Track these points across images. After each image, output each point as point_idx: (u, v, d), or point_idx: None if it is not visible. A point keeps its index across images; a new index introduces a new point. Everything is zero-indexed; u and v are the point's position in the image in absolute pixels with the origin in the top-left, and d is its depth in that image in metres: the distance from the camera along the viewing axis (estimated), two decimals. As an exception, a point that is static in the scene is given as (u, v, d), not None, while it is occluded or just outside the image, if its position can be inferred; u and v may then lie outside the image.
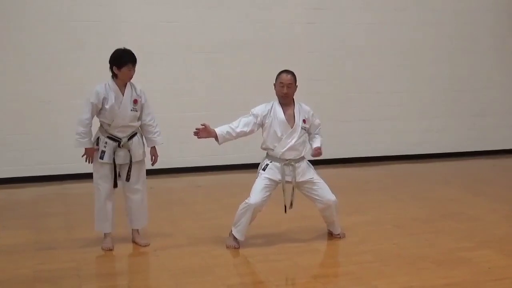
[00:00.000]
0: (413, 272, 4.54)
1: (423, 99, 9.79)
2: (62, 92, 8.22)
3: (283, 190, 5.23)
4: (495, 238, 5.34)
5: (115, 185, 5.12)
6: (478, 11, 10.11)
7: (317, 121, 5.44)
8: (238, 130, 5.26)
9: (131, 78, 5.05)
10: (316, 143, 5.31)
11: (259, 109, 5.31)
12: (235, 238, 5.20)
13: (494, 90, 10.39)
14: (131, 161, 5.08)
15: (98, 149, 5.03)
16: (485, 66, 10.31)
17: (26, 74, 8.10)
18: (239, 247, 5.17)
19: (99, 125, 5.11)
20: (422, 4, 9.75)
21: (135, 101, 5.05)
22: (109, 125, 5.00)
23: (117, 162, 5.04)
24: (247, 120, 5.29)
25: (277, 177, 5.18)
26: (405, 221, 5.85)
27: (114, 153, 5.02)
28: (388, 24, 9.57)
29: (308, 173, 5.25)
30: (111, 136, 5.01)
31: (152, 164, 5.28)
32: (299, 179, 5.20)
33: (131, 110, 5.02)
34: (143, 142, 5.23)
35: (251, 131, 5.28)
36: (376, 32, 9.50)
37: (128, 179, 5.12)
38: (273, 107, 5.28)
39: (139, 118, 5.14)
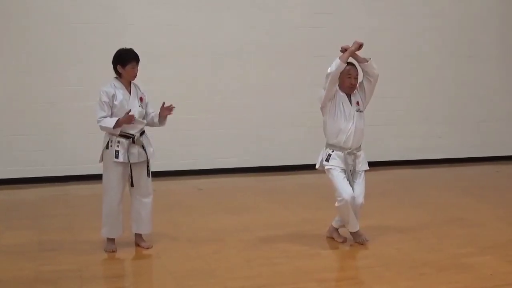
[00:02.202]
0: (415, 278, 4.53)
1: (428, 105, 9.79)
2: (66, 93, 8.26)
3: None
4: (498, 245, 5.32)
5: (132, 184, 5.10)
6: (482, 17, 10.12)
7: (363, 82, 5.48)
8: None
9: (135, 77, 5.09)
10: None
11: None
12: (338, 231, 5.38)
13: (499, 96, 10.38)
14: (147, 158, 5.10)
15: (110, 150, 5.00)
16: (489, 71, 10.30)
17: (30, 75, 8.14)
18: (346, 240, 5.32)
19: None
20: (426, 9, 9.76)
21: (141, 99, 5.13)
22: None
23: (131, 160, 5.04)
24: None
25: (342, 165, 5.23)
26: (408, 226, 5.84)
27: (127, 151, 5.02)
28: (392, 29, 9.58)
29: (364, 165, 5.35)
30: (123, 133, 5.02)
31: (170, 111, 5.24)
32: (358, 168, 5.28)
33: (139, 106, 5.08)
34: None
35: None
36: (380, 37, 9.49)
37: (148, 174, 5.13)
38: (337, 94, 5.31)
39: (145, 118, 5.19)
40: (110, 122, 4.91)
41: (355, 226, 5.30)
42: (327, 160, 5.29)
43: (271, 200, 7.28)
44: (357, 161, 5.29)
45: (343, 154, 5.23)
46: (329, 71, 5.33)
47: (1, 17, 8.03)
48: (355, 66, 5.38)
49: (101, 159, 5.10)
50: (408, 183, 8.26)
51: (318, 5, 9.26)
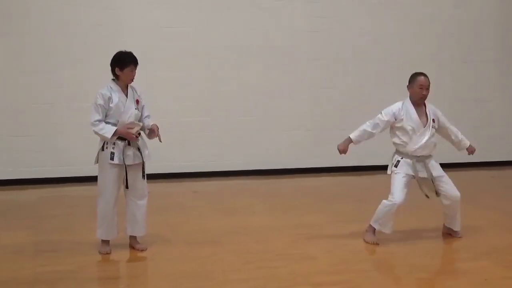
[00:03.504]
0: (411, 282, 4.54)
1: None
2: (64, 95, 8.28)
3: (420, 185, 5.47)
4: (494, 250, 5.33)
5: (127, 186, 5.10)
6: (479, 22, 10.16)
7: (444, 118, 5.68)
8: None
9: (132, 80, 5.10)
10: (465, 142, 5.76)
11: (391, 110, 5.47)
12: (374, 234, 5.47)
13: (497, 101, 10.42)
14: (143, 160, 5.11)
15: (105, 152, 5.01)
16: (487, 76, 10.34)
17: (28, 76, 8.16)
18: (378, 243, 5.39)
19: None
20: (425, 14, 9.80)
21: (137, 102, 5.13)
22: (115, 124, 5.01)
23: (126, 163, 5.04)
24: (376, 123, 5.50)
25: (410, 172, 5.41)
26: (404, 231, 5.84)
27: (123, 153, 5.02)
28: (391, 33, 9.63)
29: (437, 170, 5.51)
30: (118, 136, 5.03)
31: (158, 136, 5.16)
32: (429, 175, 5.43)
33: (135, 109, 5.08)
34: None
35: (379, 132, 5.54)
36: (379, 41, 9.55)
37: (143, 176, 5.13)
38: (404, 106, 5.45)
39: (141, 120, 5.19)
40: (108, 132, 4.90)
41: (390, 228, 5.46)
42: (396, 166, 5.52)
43: (268, 203, 7.29)
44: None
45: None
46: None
47: (1, 17, 8.04)
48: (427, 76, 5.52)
49: (97, 161, 5.10)
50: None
51: (318, 8, 9.29)
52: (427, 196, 5.52)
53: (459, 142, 5.75)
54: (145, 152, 5.17)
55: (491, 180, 9.29)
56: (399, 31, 9.67)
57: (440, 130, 5.62)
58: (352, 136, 5.51)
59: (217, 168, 9.01)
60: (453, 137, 5.71)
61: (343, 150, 5.48)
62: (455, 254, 5.32)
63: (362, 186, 8.58)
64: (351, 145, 5.51)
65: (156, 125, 5.17)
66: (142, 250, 5.22)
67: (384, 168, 5.60)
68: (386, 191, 5.44)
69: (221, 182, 8.73)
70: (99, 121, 4.95)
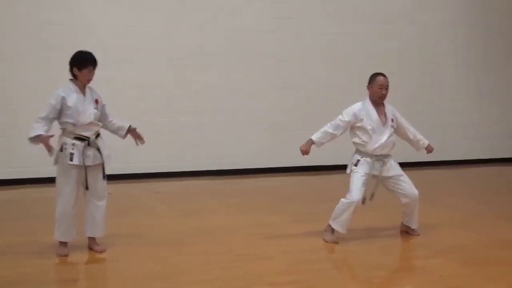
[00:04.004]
0: (367, 280, 4.60)
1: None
2: (28, 95, 8.13)
3: (381, 183, 5.59)
4: (449, 247, 5.44)
5: (87, 187, 5.05)
6: (441, 25, 10.36)
7: (403, 118, 5.78)
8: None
9: (90, 80, 5.05)
10: (424, 141, 5.86)
11: (351, 111, 5.54)
12: (333, 233, 5.50)
13: (456, 101, 10.63)
14: (103, 160, 5.06)
15: (64, 152, 4.95)
16: (447, 78, 10.55)
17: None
18: (338, 242, 5.43)
19: (60, 132, 5.05)
20: (387, 16, 9.94)
21: (96, 101, 5.09)
22: (74, 125, 4.94)
23: (86, 163, 4.98)
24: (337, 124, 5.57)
25: (370, 171, 5.49)
26: (361, 229, 5.92)
27: (82, 154, 4.97)
28: (354, 34, 9.73)
29: (395, 169, 5.61)
30: (78, 136, 4.97)
31: (142, 141, 5.35)
32: (387, 174, 5.54)
33: (94, 108, 5.03)
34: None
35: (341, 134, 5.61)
36: (342, 42, 9.65)
37: (103, 177, 5.09)
38: (364, 107, 5.54)
39: (101, 120, 5.15)
40: (33, 133, 4.85)
41: (344, 227, 5.49)
42: (355, 165, 5.57)
43: (229, 204, 7.30)
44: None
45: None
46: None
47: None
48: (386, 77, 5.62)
49: (55, 162, 5.03)
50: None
51: (281, 9, 9.35)
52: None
53: (418, 142, 5.84)
54: (105, 153, 5.13)
55: (448, 179, 9.50)
56: (363, 32, 9.78)
57: (399, 130, 5.71)
58: (314, 137, 5.56)
59: (179, 168, 8.98)
60: (411, 137, 5.80)
61: (305, 152, 5.52)
62: (412, 252, 5.42)
63: (322, 186, 8.66)
64: (313, 146, 5.55)
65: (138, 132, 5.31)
66: (101, 252, 5.17)
67: (344, 167, 5.67)
68: (345, 191, 5.50)
69: (183, 183, 8.71)
70: (42, 119, 4.90)
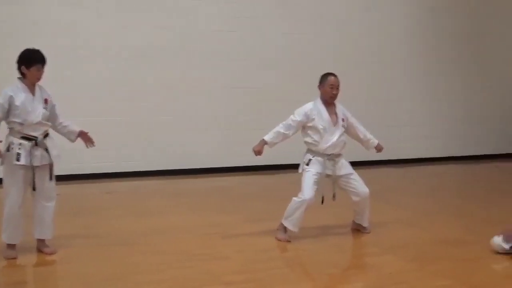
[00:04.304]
0: (319, 278, 4.67)
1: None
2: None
3: (332, 183, 5.67)
4: (398, 244, 5.56)
5: (34, 188, 4.95)
6: (390, 24, 10.56)
7: (353, 118, 5.85)
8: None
9: (39, 79, 4.96)
10: (374, 141, 5.93)
11: (303, 111, 5.60)
12: (285, 232, 5.53)
13: (408, 102, 10.86)
14: (51, 161, 4.97)
15: (11, 152, 4.84)
16: (400, 78, 10.76)
17: None
18: (290, 241, 5.45)
19: (7, 132, 4.94)
20: (339, 17, 10.07)
21: (46, 101, 5.00)
22: (22, 124, 4.84)
23: (34, 163, 4.88)
24: (289, 124, 5.61)
25: (321, 170, 5.55)
26: (314, 228, 5.99)
27: (30, 154, 4.87)
28: (306, 34, 9.81)
29: (346, 168, 5.69)
30: (25, 136, 4.87)
31: (92, 144, 5.37)
32: (339, 173, 5.61)
33: (43, 108, 4.95)
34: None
35: (293, 134, 5.65)
36: (295, 41, 9.72)
37: (51, 178, 5.00)
38: (315, 106, 5.61)
39: (50, 120, 5.05)
40: None
41: (297, 226, 5.54)
42: (307, 164, 5.59)
43: (182, 204, 7.28)
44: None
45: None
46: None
47: None
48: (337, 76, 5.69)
49: (2, 162, 4.92)
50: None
51: (234, 9, 9.36)
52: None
53: (368, 141, 5.94)
54: (54, 153, 5.04)
55: (398, 177, 9.71)
56: (314, 31, 9.89)
57: (349, 129, 5.80)
58: (266, 138, 5.59)
59: (131, 168, 8.90)
60: (361, 136, 5.89)
61: (258, 152, 5.55)
62: (362, 250, 5.52)
63: (275, 185, 8.71)
64: (266, 146, 5.59)
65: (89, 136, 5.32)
66: (51, 254, 5.08)
67: (297, 167, 5.72)
68: (299, 190, 5.55)
69: (135, 183, 8.63)
70: None
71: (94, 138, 8.34)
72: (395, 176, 9.86)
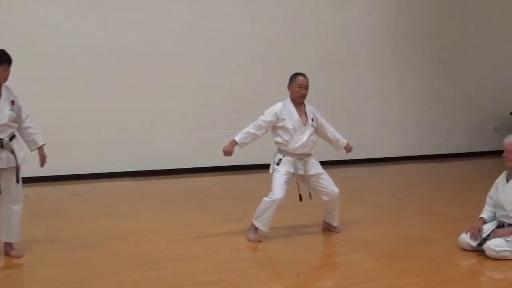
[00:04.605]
0: (289, 277, 4.69)
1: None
2: None
3: (298, 185, 5.64)
4: (368, 243, 5.61)
5: (0, 191, 4.85)
6: (354, 26, 10.63)
7: (323, 118, 5.87)
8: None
9: (6, 79, 4.88)
10: (343, 141, 5.96)
11: (272, 111, 5.59)
12: (256, 232, 5.54)
13: (375, 102, 10.96)
14: (17, 163, 4.88)
15: None
16: (367, 78, 10.84)
17: None
18: (261, 241, 5.47)
19: None
20: (303, 16, 10.11)
21: (13, 102, 4.89)
22: None
23: (0, 166, 4.80)
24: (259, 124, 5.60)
25: (291, 170, 5.57)
26: (284, 228, 6.00)
27: None
28: (272, 34, 9.82)
29: (316, 167, 5.71)
30: None
31: (42, 166, 5.18)
32: (309, 172, 5.63)
33: (10, 110, 4.84)
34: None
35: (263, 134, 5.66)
36: (261, 41, 9.73)
37: (18, 181, 4.90)
38: (285, 106, 5.62)
39: (16, 122, 4.96)
40: None
41: (268, 226, 5.55)
42: (277, 164, 5.61)
43: (152, 205, 7.22)
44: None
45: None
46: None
47: None
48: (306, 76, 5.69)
49: (-32, 165, 4.83)
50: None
51: (200, 9, 9.32)
52: (300, 198, 5.68)
53: (337, 141, 5.97)
54: (21, 155, 4.96)
55: (366, 176, 9.80)
56: (283, 32, 9.90)
57: (319, 129, 5.82)
58: (237, 138, 5.57)
59: (101, 170, 8.80)
60: (330, 137, 5.92)
61: (228, 152, 5.53)
62: (332, 249, 5.55)
63: (247, 185, 8.71)
64: (236, 146, 5.57)
65: (45, 155, 5.19)
66: (18, 257, 4.99)
67: (268, 167, 5.73)
68: (265, 190, 5.56)
69: (105, 184, 8.54)
70: None
71: (62, 138, 8.38)
72: (365, 175, 9.94)
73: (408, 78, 11.29)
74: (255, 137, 5.61)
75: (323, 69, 10.15)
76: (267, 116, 5.59)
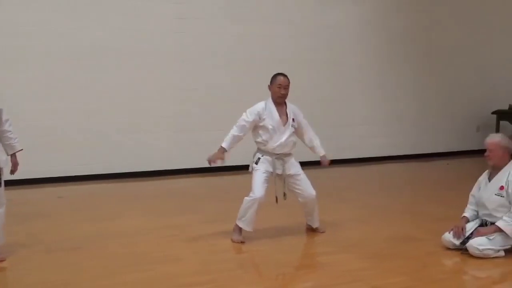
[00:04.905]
0: (274, 278, 4.69)
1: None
2: None
3: (275, 183, 5.69)
4: (353, 243, 5.63)
5: None
6: (339, 26, 10.66)
7: (304, 120, 5.85)
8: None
9: None
10: (320, 150, 5.88)
11: (255, 110, 5.60)
12: (240, 233, 5.55)
13: (360, 102, 10.99)
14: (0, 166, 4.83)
15: None
16: (352, 78, 10.87)
17: None
18: (244, 242, 5.48)
19: None
20: (287, 16, 10.10)
21: None
22: None
23: None
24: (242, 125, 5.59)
25: (270, 169, 5.60)
26: (268, 229, 5.99)
27: None
28: (255, 34, 9.79)
29: (295, 168, 5.72)
30: None
31: (12, 173, 5.09)
32: (288, 172, 5.65)
33: None
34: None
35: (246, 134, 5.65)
36: (242, 42, 9.70)
37: (1, 183, 4.84)
38: (267, 106, 5.62)
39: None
40: None
41: (251, 225, 5.57)
42: (256, 163, 5.63)
43: (136, 207, 7.18)
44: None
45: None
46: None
47: None
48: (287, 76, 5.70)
49: None
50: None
51: (184, 10, 9.29)
52: (276, 200, 5.70)
53: (312, 148, 5.91)
54: (3, 158, 4.92)
55: (351, 176, 9.83)
56: (264, 32, 9.88)
57: (298, 131, 5.78)
58: (224, 145, 5.55)
59: (85, 172, 8.73)
60: (306, 141, 5.87)
61: (218, 158, 5.53)
62: (317, 249, 5.56)
63: (231, 186, 8.68)
64: (219, 144, 5.56)
65: (17, 162, 5.10)
66: (1, 260, 4.93)
67: (241, 168, 5.73)
68: (248, 191, 5.56)
69: (89, 186, 8.48)
70: None
71: (45, 141, 8.31)
72: (349, 175, 9.96)
73: (392, 77, 11.33)
74: (240, 139, 5.61)
75: (307, 69, 10.15)
76: (250, 115, 5.58)
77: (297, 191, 5.70)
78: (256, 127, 5.62)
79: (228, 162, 9.23)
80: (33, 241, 5.57)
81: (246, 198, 5.52)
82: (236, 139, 5.58)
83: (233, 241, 5.56)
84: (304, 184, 5.70)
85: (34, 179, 8.27)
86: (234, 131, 5.58)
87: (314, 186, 5.81)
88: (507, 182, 5.14)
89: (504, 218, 5.09)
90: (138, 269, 4.80)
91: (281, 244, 5.56)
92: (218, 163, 5.61)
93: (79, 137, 8.67)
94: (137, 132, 9.08)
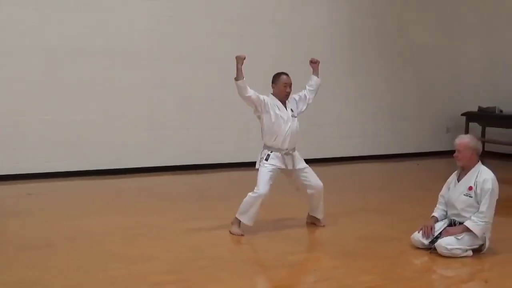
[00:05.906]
0: (247, 276, 4.70)
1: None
2: None
3: (289, 179, 5.91)
4: (323, 242, 5.69)
5: None
6: (318, 26, 10.72)
7: (299, 94, 6.13)
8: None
9: None
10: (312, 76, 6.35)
11: (262, 97, 5.76)
12: (239, 226, 5.67)
13: (335, 101, 11.05)
14: None
15: None
16: (325, 79, 10.90)
17: None
18: (243, 235, 5.60)
19: None
20: (263, 17, 10.13)
21: None
22: None
23: None
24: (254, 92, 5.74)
25: (280, 165, 5.73)
26: (242, 226, 5.99)
27: None
28: (233, 34, 9.76)
29: (302, 162, 5.91)
30: None
31: None
32: (297, 166, 5.82)
33: None
34: None
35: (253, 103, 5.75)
36: (220, 42, 9.66)
37: None
38: (272, 100, 5.80)
39: None
40: None
41: (252, 220, 5.69)
42: (266, 159, 5.72)
43: (108, 205, 7.12)
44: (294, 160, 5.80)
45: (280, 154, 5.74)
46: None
47: None
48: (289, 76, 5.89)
49: None
50: (242, 185, 8.26)
51: (158, 7, 9.23)
52: (298, 189, 5.98)
53: (312, 78, 6.43)
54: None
55: (331, 175, 9.85)
56: (240, 32, 9.87)
57: (303, 101, 6.20)
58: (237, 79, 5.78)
59: (55, 169, 8.62)
60: (310, 90, 6.33)
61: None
62: (289, 248, 5.47)
63: (203, 185, 8.67)
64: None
65: None
66: (-31, 260, 4.90)
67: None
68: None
69: (59, 184, 8.36)
70: None
71: (16, 137, 8.20)
72: (322, 175, 9.92)
73: (366, 78, 11.42)
74: (246, 91, 5.71)
75: (282, 69, 10.14)
76: (259, 95, 5.75)
77: (306, 183, 5.88)
78: (262, 123, 5.78)
79: (203, 160, 9.35)
80: (2, 239, 5.50)
81: (250, 193, 5.64)
82: (247, 87, 5.71)
83: (232, 233, 5.68)
84: (312, 176, 5.92)
85: (2, 175, 8.15)
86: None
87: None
88: (476, 182, 5.23)
89: (473, 218, 5.18)
90: (110, 267, 4.76)
91: (254, 243, 5.58)
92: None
93: (50, 133, 8.56)
94: (111, 130, 9.00)
